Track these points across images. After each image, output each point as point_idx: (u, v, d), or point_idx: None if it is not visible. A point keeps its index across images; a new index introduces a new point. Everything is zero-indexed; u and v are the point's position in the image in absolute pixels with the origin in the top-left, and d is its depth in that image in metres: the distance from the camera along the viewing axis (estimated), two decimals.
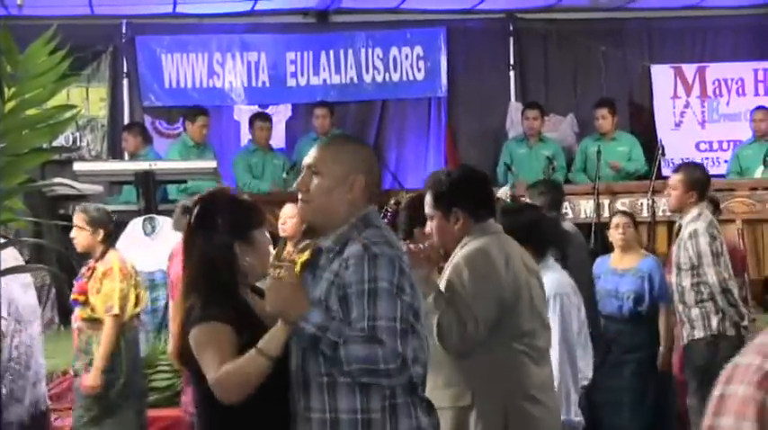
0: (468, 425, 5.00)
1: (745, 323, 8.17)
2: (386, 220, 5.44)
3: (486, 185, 5.52)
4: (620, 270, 8.72)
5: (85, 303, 7.93)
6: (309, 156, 4.12)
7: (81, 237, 7.91)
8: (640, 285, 8.71)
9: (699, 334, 7.97)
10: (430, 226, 5.21)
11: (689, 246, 8.09)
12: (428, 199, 5.21)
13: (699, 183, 8.35)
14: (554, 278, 6.17)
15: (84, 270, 8.08)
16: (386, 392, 4.00)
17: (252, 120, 13.06)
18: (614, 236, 8.96)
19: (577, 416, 6.06)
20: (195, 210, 4.16)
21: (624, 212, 9.45)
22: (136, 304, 7.89)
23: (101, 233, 7.90)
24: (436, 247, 4.99)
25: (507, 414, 5.01)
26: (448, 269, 5.05)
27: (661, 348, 8.70)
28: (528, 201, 8.42)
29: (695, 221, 8.11)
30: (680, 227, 8.27)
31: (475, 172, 5.62)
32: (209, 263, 4.05)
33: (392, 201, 5.72)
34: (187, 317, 3.99)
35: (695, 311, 8.02)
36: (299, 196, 4.12)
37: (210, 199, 4.23)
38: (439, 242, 5.15)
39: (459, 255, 5.02)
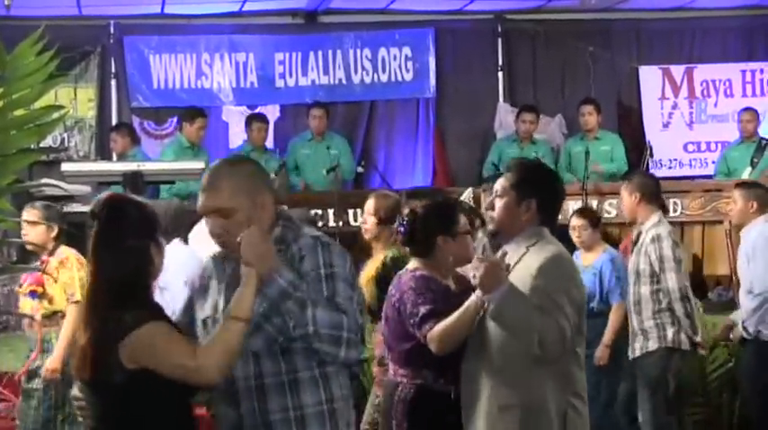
0: (535, 423, 4.99)
1: (698, 339, 8.16)
2: (402, 230, 5.44)
3: (562, 198, 5.50)
4: (582, 267, 8.72)
5: (43, 295, 7.88)
6: (207, 205, 4.03)
7: (35, 232, 7.84)
8: (593, 282, 8.72)
9: (653, 346, 7.88)
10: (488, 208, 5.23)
11: (651, 251, 8.00)
12: (508, 176, 5.18)
13: (650, 188, 8.35)
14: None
15: (37, 264, 8.06)
16: (341, 380, 4.07)
17: (248, 121, 13.05)
18: (573, 237, 9.02)
19: None
20: (104, 216, 3.92)
21: (582, 212, 9.43)
22: None
23: (55, 229, 7.87)
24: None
25: (566, 413, 5.02)
26: (520, 270, 4.94)
27: (601, 344, 8.69)
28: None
29: (657, 226, 8.06)
30: (639, 234, 8.19)
31: (560, 180, 5.61)
32: (130, 268, 3.90)
33: (405, 211, 5.67)
34: (117, 326, 3.78)
35: (650, 323, 7.92)
36: (220, 240, 4.07)
37: (116, 203, 4.01)
38: (498, 221, 5.14)
39: (535, 259, 4.94)
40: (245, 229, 3.92)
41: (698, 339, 8.10)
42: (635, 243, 8.22)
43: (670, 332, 7.92)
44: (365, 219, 7.32)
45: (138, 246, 3.90)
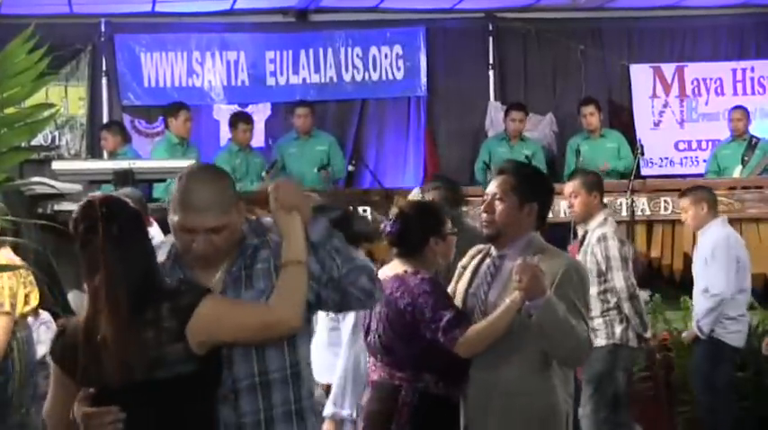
0: (554, 425, 5.04)
1: (648, 335, 8.16)
2: (391, 230, 5.39)
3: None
4: None
5: None
6: (201, 225, 3.92)
7: None
8: None
9: (600, 342, 7.86)
10: (486, 211, 5.18)
11: (597, 251, 8.03)
12: (508, 179, 5.16)
13: (598, 185, 8.36)
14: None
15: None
16: (310, 384, 4.08)
17: (233, 121, 13.03)
18: None
19: (350, 409, 6.01)
20: (115, 219, 3.80)
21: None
22: (26, 302, 7.52)
23: None
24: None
25: (568, 413, 5.11)
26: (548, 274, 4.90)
27: None
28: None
29: (602, 226, 8.09)
30: (585, 233, 8.20)
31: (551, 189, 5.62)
32: (147, 265, 3.84)
33: (393, 210, 5.61)
34: (174, 315, 3.71)
35: (598, 321, 7.92)
36: (205, 255, 3.99)
37: (117, 204, 3.90)
38: (498, 221, 5.11)
39: (553, 266, 4.94)
40: (229, 237, 3.96)
41: (647, 335, 8.15)
42: (581, 243, 8.24)
43: (618, 329, 7.98)
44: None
45: (146, 241, 3.88)
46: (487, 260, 5.22)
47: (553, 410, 4.99)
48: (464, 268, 5.39)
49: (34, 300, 7.46)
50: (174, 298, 3.74)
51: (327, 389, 6.19)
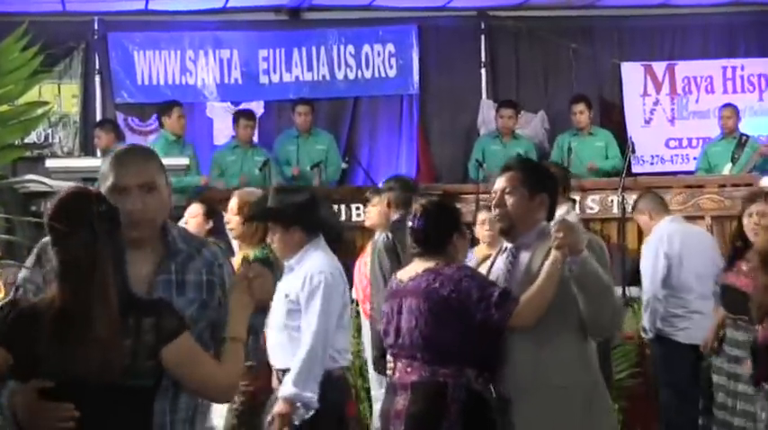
0: (599, 399, 5.12)
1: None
2: (417, 227, 5.42)
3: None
4: (479, 260, 8.65)
5: None
6: (138, 176, 3.94)
7: None
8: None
9: None
10: (497, 207, 5.23)
11: None
12: (515, 175, 5.21)
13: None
14: (321, 258, 6.18)
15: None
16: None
17: (236, 117, 13.04)
18: (481, 232, 8.72)
19: (312, 393, 5.95)
20: (106, 212, 3.73)
21: (489, 208, 9.39)
22: None
23: None
24: None
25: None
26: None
27: None
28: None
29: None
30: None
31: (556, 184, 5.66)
32: (126, 270, 3.78)
33: (416, 208, 5.63)
34: (157, 331, 3.66)
35: None
36: (137, 216, 3.94)
37: (106, 200, 3.83)
38: (512, 214, 5.16)
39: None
40: (160, 209, 3.99)
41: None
42: None
43: None
44: (228, 218, 7.26)
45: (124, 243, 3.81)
46: (502, 255, 5.26)
47: (594, 382, 5.08)
48: (478, 265, 5.55)
49: (2, 292, 7.44)
50: (158, 315, 3.70)
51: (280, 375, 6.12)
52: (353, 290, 8.83)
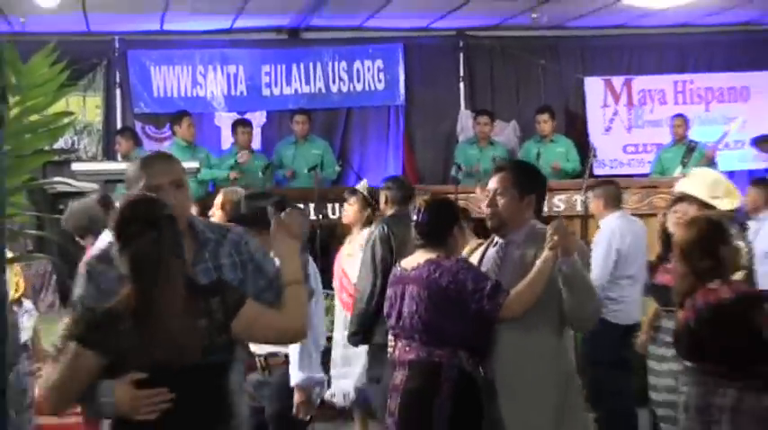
0: (574, 386, 5.10)
1: None
2: (422, 221, 5.38)
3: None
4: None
5: None
6: (169, 175, 4.01)
7: None
8: None
9: None
10: (489, 206, 5.20)
11: None
12: (507, 176, 5.18)
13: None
14: None
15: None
16: None
17: (234, 125, 13.05)
18: None
19: (320, 372, 6.00)
20: (166, 223, 3.73)
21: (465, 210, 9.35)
22: (16, 289, 7.26)
23: None
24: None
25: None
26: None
27: None
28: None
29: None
30: None
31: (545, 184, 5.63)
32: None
33: (419, 204, 5.63)
34: (223, 308, 3.70)
35: None
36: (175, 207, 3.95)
37: (168, 206, 3.85)
38: (503, 213, 5.13)
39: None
40: (188, 203, 4.08)
41: None
42: None
43: None
44: (213, 212, 7.19)
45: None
46: (493, 248, 5.22)
47: (571, 371, 5.05)
48: (468, 255, 5.42)
49: (21, 288, 7.40)
50: (222, 293, 3.73)
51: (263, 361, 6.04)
52: (333, 280, 8.90)
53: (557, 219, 4.89)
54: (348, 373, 8.59)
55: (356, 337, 7.83)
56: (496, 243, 5.22)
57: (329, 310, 9.08)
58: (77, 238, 7.62)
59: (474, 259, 5.32)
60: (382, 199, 8.43)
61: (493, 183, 5.20)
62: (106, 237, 7.38)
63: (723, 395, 4.89)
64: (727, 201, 6.93)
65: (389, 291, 5.43)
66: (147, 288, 3.61)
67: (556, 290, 4.85)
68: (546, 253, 4.80)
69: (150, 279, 3.61)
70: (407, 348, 5.25)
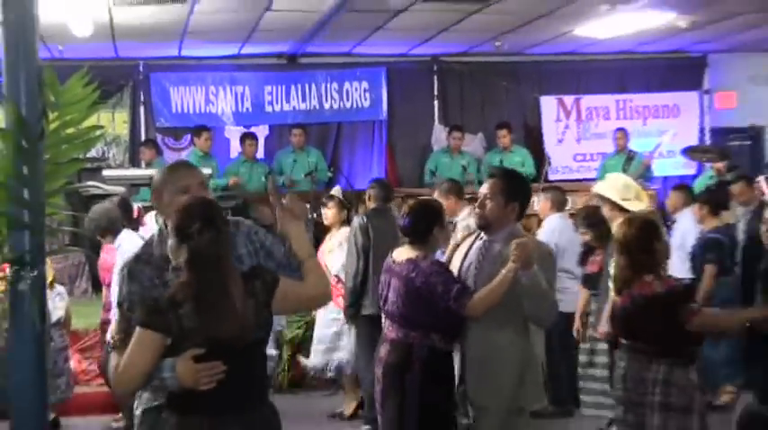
0: (534, 368, 5.05)
1: None
2: (407, 223, 5.35)
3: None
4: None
5: None
6: (195, 177, 4.00)
7: None
8: None
9: None
10: (480, 208, 5.15)
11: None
12: (497, 182, 5.13)
13: (456, 190, 8.36)
14: (134, 242, 6.44)
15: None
16: None
17: (242, 138, 13.04)
18: None
19: (271, 350, 6.04)
20: (222, 223, 3.71)
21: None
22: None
23: None
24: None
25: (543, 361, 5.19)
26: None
27: None
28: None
29: (466, 219, 7.96)
30: (455, 224, 8.05)
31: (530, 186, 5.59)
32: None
33: (405, 209, 5.62)
34: (264, 290, 3.69)
35: None
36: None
37: (221, 208, 3.89)
38: (489, 216, 5.08)
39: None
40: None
41: None
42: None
43: None
44: None
45: None
46: (478, 242, 5.17)
47: (531, 359, 4.99)
48: (457, 245, 5.39)
49: (50, 275, 7.38)
50: (261, 277, 3.72)
51: None
52: None
53: (522, 238, 4.86)
54: (339, 347, 8.61)
55: (351, 310, 7.92)
56: (482, 238, 5.18)
57: None
58: (98, 237, 7.64)
59: (463, 248, 5.27)
60: (367, 196, 8.49)
61: (484, 187, 5.16)
62: (125, 236, 7.42)
63: (656, 371, 4.88)
64: (636, 203, 6.89)
65: (382, 277, 5.42)
66: (206, 277, 3.57)
67: (519, 294, 4.83)
68: (510, 264, 4.75)
69: (212, 269, 3.57)
70: (391, 328, 5.27)
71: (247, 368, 3.66)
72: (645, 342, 4.96)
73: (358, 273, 7.85)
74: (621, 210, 6.86)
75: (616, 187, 7.03)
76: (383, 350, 5.30)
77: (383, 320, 5.48)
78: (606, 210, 7.03)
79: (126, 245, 7.07)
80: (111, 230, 7.43)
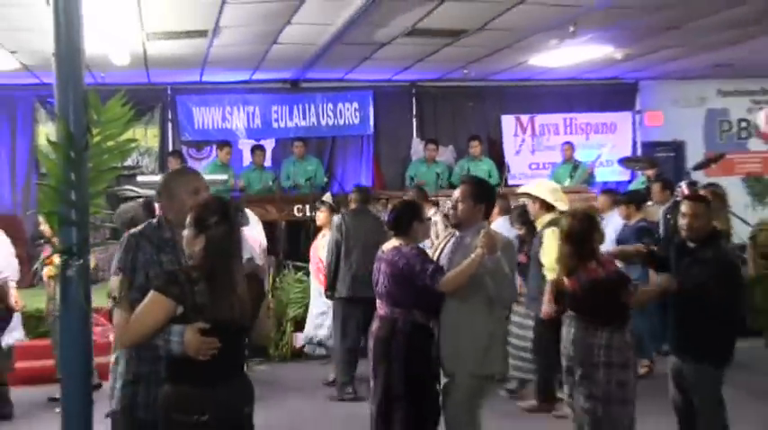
0: (499, 340, 5.07)
1: None
2: (390, 219, 5.34)
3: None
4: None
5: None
6: (202, 181, 3.94)
7: None
8: None
9: None
10: (453, 209, 5.15)
11: (433, 230, 8.12)
12: (467, 188, 5.12)
13: (420, 194, 8.44)
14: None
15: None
16: None
17: (253, 149, 13.03)
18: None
19: None
20: (234, 219, 3.67)
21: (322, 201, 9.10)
22: None
23: None
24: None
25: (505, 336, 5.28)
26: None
27: None
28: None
29: (434, 216, 8.07)
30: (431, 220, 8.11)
31: (495, 191, 5.58)
32: None
33: (390, 207, 5.64)
34: (259, 287, 3.75)
35: None
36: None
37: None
38: (460, 216, 5.09)
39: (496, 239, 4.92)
40: None
41: None
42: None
43: None
44: None
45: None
46: (453, 238, 5.18)
47: (495, 332, 5.00)
48: (440, 244, 5.36)
49: (93, 263, 7.30)
50: (256, 281, 3.76)
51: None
52: (310, 265, 8.94)
53: (486, 228, 4.89)
54: (323, 326, 8.66)
55: (328, 292, 8.05)
56: (456, 235, 5.17)
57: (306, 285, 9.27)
58: (125, 230, 7.62)
59: (443, 244, 5.26)
60: (349, 199, 8.52)
61: (457, 192, 5.16)
62: None
63: (600, 337, 4.99)
64: (561, 203, 6.97)
65: (374, 265, 5.39)
66: (221, 264, 3.52)
67: (485, 277, 4.83)
68: (477, 250, 4.77)
69: (223, 258, 3.54)
70: (380, 306, 5.27)
71: (235, 347, 3.60)
72: (591, 315, 5.07)
73: (331, 263, 7.91)
74: (549, 208, 6.93)
75: (548, 190, 7.09)
76: (375, 325, 5.30)
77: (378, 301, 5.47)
78: (535, 209, 7.07)
79: None
80: (135, 225, 7.43)
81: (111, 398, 3.80)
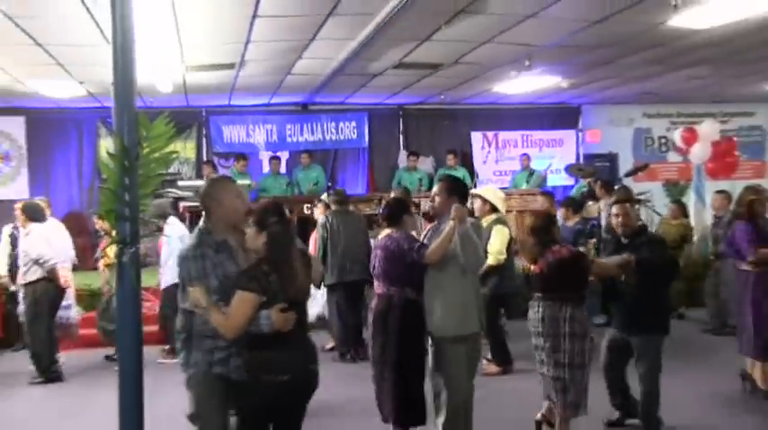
0: (471, 307, 4.93)
1: None
2: (383, 213, 5.27)
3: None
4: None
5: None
6: (240, 187, 3.88)
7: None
8: None
9: None
10: (432, 202, 5.10)
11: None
12: (443, 185, 5.06)
13: (403, 196, 8.25)
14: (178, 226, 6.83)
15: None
16: None
17: (271, 160, 12.97)
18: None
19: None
20: (282, 219, 3.68)
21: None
22: None
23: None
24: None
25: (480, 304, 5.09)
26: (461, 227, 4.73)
27: None
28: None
29: (458, 205, 7.82)
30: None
31: (468, 187, 5.51)
32: None
33: (383, 202, 5.60)
34: (307, 263, 3.75)
35: None
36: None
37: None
38: (437, 207, 5.02)
39: (469, 223, 4.81)
40: None
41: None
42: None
43: None
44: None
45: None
46: (432, 227, 5.13)
47: (468, 297, 4.90)
48: (423, 232, 5.27)
49: (142, 251, 7.25)
50: (307, 255, 3.79)
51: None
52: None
53: (456, 204, 4.82)
54: (315, 304, 8.47)
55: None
56: (434, 224, 5.12)
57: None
58: (154, 220, 7.63)
59: (427, 232, 5.18)
60: (330, 200, 8.40)
61: (435, 189, 5.11)
62: (171, 220, 7.57)
63: (565, 311, 4.90)
64: (503, 206, 7.07)
65: (373, 253, 5.31)
66: (282, 255, 3.56)
67: (456, 250, 4.78)
68: (450, 222, 4.74)
69: (283, 249, 3.58)
70: (378, 286, 5.20)
71: (302, 317, 3.67)
72: (556, 292, 4.93)
73: (319, 257, 7.79)
74: (494, 210, 6.96)
75: (496, 196, 7.11)
76: (374, 302, 5.22)
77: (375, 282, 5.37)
78: (483, 209, 7.01)
79: (171, 221, 7.57)
80: (163, 216, 7.61)
81: (187, 366, 3.78)
